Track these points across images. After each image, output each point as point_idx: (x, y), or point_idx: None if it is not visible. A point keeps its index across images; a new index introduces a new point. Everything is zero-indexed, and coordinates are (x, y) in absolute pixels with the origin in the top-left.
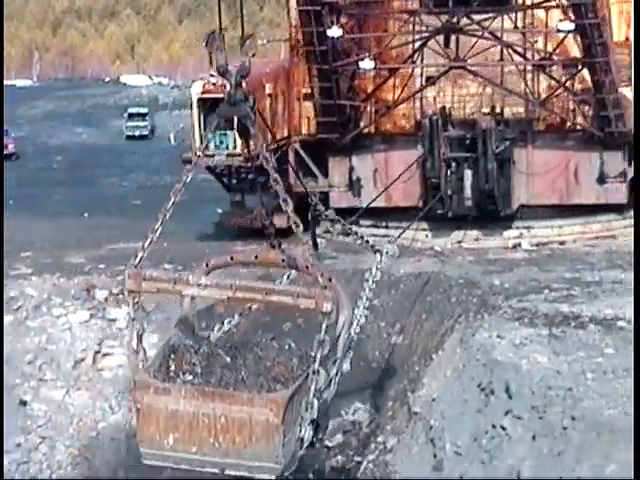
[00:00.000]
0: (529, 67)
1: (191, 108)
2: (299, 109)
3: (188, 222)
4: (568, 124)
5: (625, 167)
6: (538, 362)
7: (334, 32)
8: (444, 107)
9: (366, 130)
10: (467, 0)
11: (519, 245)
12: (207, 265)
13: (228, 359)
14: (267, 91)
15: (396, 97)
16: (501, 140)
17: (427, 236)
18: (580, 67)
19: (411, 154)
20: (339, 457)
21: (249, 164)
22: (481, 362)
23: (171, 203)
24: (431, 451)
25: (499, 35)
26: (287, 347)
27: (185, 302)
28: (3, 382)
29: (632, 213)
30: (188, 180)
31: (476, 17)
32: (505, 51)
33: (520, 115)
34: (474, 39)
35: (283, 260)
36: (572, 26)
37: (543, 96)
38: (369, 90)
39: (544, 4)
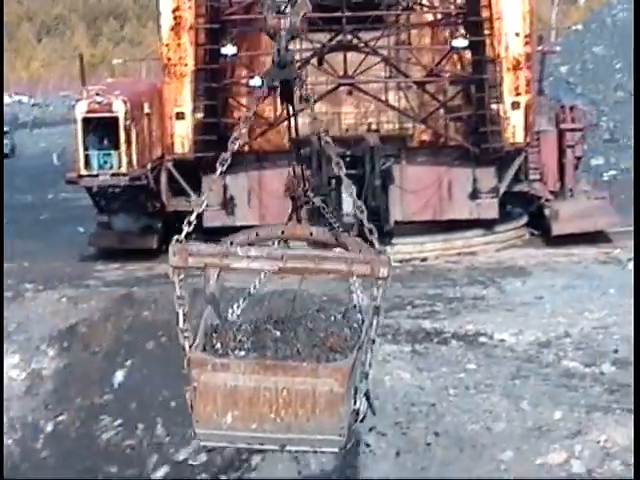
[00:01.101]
0: (411, 84)
1: (75, 127)
2: (171, 128)
3: (49, 241)
4: (442, 140)
5: (497, 183)
6: (401, 378)
7: (228, 50)
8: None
9: (243, 149)
10: (354, 18)
11: None
12: (232, 244)
13: (278, 333)
14: (146, 110)
15: (277, 114)
16: (385, 157)
17: None
18: (465, 84)
19: (284, 173)
20: (204, 475)
21: (135, 183)
22: None
23: (219, 172)
24: (296, 468)
25: (388, 52)
26: (334, 318)
27: (211, 279)
28: (3, 379)
29: (498, 228)
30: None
31: (364, 35)
32: (389, 68)
33: (395, 132)
34: (360, 56)
35: (311, 234)
36: (466, 43)
37: (423, 113)
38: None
39: (433, 21)
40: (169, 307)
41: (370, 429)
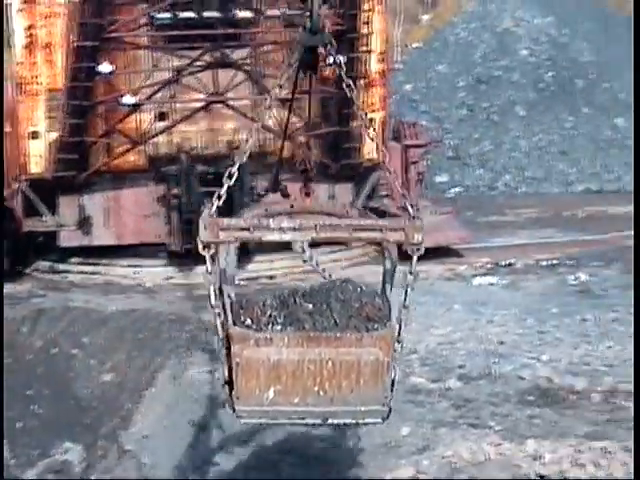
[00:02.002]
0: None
1: None
2: (26, 148)
3: None
4: (299, 158)
5: (353, 199)
6: None
7: (105, 68)
8: (178, 143)
9: (102, 167)
10: (223, 36)
11: None
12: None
13: (310, 306)
14: (7, 129)
15: (142, 132)
16: (252, 174)
17: (137, 272)
18: (334, 100)
19: (142, 192)
20: None
21: None
22: (193, 398)
23: (251, 142)
24: None
25: (252, 69)
26: (360, 289)
27: (222, 254)
28: (3, 382)
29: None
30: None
31: (237, 52)
32: (257, 85)
33: (255, 149)
34: (230, 74)
35: (322, 206)
36: (344, 59)
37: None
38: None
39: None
40: (11, 327)
41: (220, 448)
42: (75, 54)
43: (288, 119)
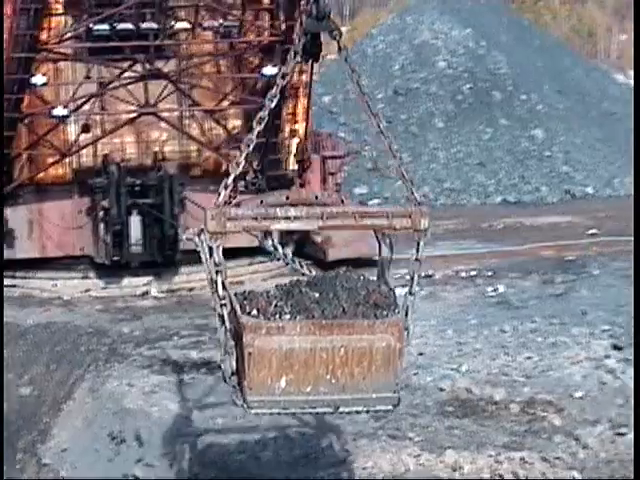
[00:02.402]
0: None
1: None
2: None
3: None
4: (225, 168)
5: None
6: (168, 409)
7: (39, 79)
8: (107, 155)
9: (25, 180)
10: (146, 48)
11: (148, 292)
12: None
13: (316, 294)
14: None
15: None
16: (180, 185)
17: (55, 285)
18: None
19: (67, 204)
20: None
21: None
22: (112, 411)
23: (256, 132)
24: None
25: (178, 79)
26: (363, 278)
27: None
28: (3, 382)
29: (265, 257)
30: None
31: (168, 64)
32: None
33: (180, 160)
34: (161, 85)
35: (316, 197)
36: (275, 70)
37: (214, 141)
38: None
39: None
40: None
41: (137, 461)
42: (9, 66)
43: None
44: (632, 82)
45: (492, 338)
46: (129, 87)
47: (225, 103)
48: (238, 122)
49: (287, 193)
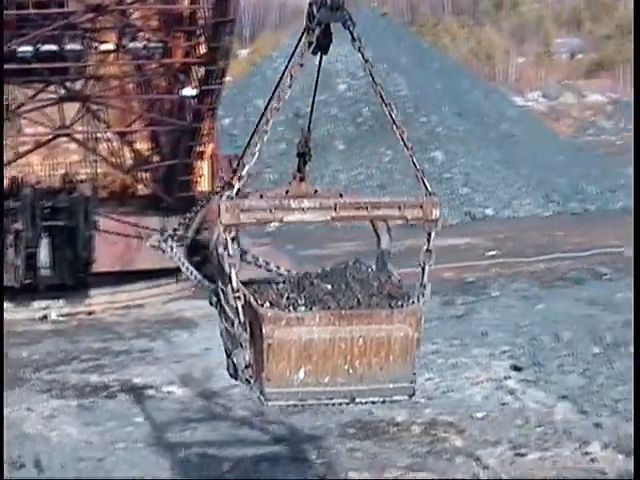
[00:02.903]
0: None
1: None
2: None
3: None
4: (132, 190)
5: (184, 231)
6: (68, 434)
7: None
8: (17, 177)
9: None
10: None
11: (47, 316)
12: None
13: (329, 286)
14: None
15: None
16: (95, 207)
17: None
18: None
19: None
20: None
21: None
22: (11, 435)
23: (270, 124)
24: None
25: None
26: (372, 269)
27: (215, 236)
28: (3, 382)
29: (166, 280)
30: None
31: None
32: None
33: (88, 182)
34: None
35: (316, 191)
36: (194, 92)
37: (124, 164)
38: None
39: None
40: None
41: None
42: None
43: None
44: (531, 104)
45: None
46: (46, 110)
47: (137, 125)
48: (146, 145)
49: (287, 187)
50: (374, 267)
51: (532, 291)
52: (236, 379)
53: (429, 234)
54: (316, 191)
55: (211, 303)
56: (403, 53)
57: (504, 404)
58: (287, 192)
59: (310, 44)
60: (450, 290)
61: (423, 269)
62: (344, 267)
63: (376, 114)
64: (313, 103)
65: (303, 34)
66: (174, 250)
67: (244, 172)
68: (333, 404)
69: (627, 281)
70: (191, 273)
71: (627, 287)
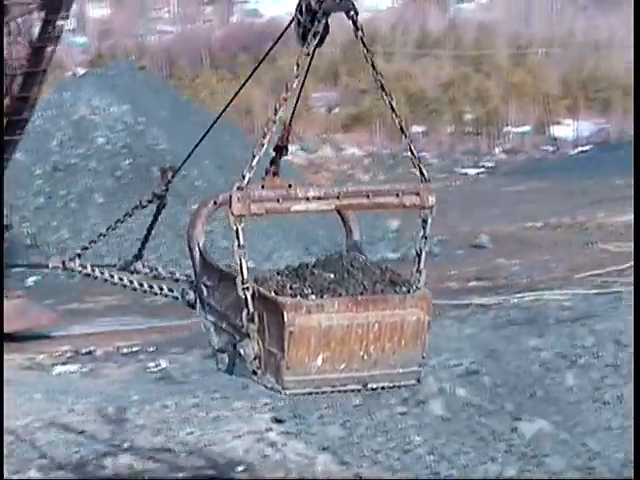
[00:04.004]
0: None
1: None
2: None
3: None
4: None
5: None
6: None
7: None
8: None
9: None
10: None
11: None
12: (215, 203)
13: (331, 275)
14: None
15: None
16: None
17: None
18: None
19: None
20: None
21: None
22: None
23: (279, 114)
24: None
25: None
26: (364, 259)
27: (195, 232)
28: (3, 384)
29: None
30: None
31: None
32: None
33: None
34: None
35: (290, 186)
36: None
37: None
38: None
39: None
40: None
41: None
42: None
43: None
44: (290, 157)
45: (154, 414)
46: None
47: None
48: None
49: (262, 183)
50: (362, 256)
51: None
52: (231, 373)
53: (424, 221)
54: (290, 185)
55: (188, 303)
56: (162, 107)
57: (265, 456)
58: (262, 187)
59: (316, 34)
60: None
61: (419, 255)
62: (339, 257)
63: (135, 167)
64: (299, 96)
65: (291, 26)
66: (87, 267)
67: (254, 162)
68: (346, 391)
69: None
70: (131, 283)
71: None
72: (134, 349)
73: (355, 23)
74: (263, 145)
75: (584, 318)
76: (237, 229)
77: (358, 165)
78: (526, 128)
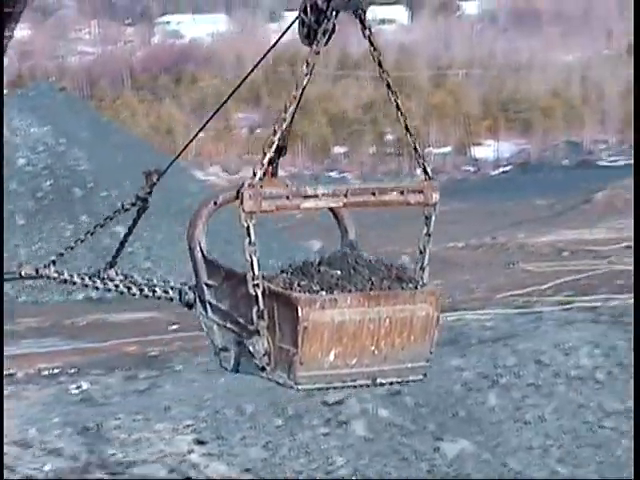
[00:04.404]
0: None
1: None
2: None
3: None
4: None
5: None
6: None
7: None
8: None
9: None
10: None
11: None
12: (215, 203)
13: (338, 272)
14: None
15: None
16: None
17: None
18: None
19: None
20: None
21: None
22: None
23: (290, 111)
24: None
25: None
26: (367, 255)
27: (195, 232)
28: (3, 380)
29: None
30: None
31: None
32: None
33: None
34: None
35: (287, 185)
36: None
37: None
38: None
39: None
40: None
41: None
42: None
43: None
44: (212, 178)
45: (75, 437)
46: None
47: None
48: None
49: (261, 183)
50: (364, 254)
51: (216, 364)
52: (236, 372)
53: (427, 218)
54: (287, 185)
55: (187, 303)
56: (83, 128)
57: (188, 479)
58: (261, 187)
59: (325, 31)
60: (133, 364)
61: (422, 252)
62: (343, 254)
63: (56, 188)
64: (301, 96)
65: (292, 25)
66: (65, 273)
67: (265, 160)
68: (355, 387)
69: None
70: (117, 287)
71: None
72: (55, 371)
73: (363, 22)
74: (274, 143)
75: (506, 338)
76: (248, 226)
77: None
78: (447, 149)
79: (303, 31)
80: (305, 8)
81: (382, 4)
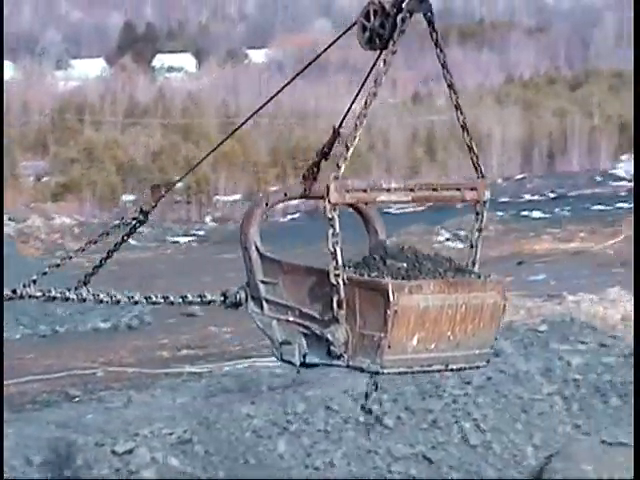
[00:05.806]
0: None
1: None
2: None
3: None
4: None
5: None
6: None
7: None
8: None
9: None
10: None
11: None
12: (267, 204)
13: (404, 264)
14: None
15: None
16: None
17: None
18: None
19: None
20: None
21: None
22: None
23: (371, 107)
24: None
25: None
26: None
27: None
28: (3, 382)
29: None
30: None
31: None
32: None
33: None
34: None
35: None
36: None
37: None
38: None
39: None
40: None
41: None
42: None
43: None
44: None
45: None
46: None
47: None
48: None
49: (303, 186)
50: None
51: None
52: (302, 364)
53: (477, 214)
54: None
55: (236, 303)
56: None
57: None
58: (305, 190)
59: (402, 32)
60: None
61: (475, 247)
62: (400, 249)
63: None
64: (352, 103)
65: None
66: (52, 290)
67: (349, 154)
68: (431, 372)
69: (96, 402)
70: (113, 297)
71: (97, 408)
72: None
73: (433, 24)
74: (355, 137)
75: (295, 385)
76: (333, 217)
77: (68, 234)
78: (236, 196)
79: (365, 35)
80: (367, 14)
81: (169, 52)
